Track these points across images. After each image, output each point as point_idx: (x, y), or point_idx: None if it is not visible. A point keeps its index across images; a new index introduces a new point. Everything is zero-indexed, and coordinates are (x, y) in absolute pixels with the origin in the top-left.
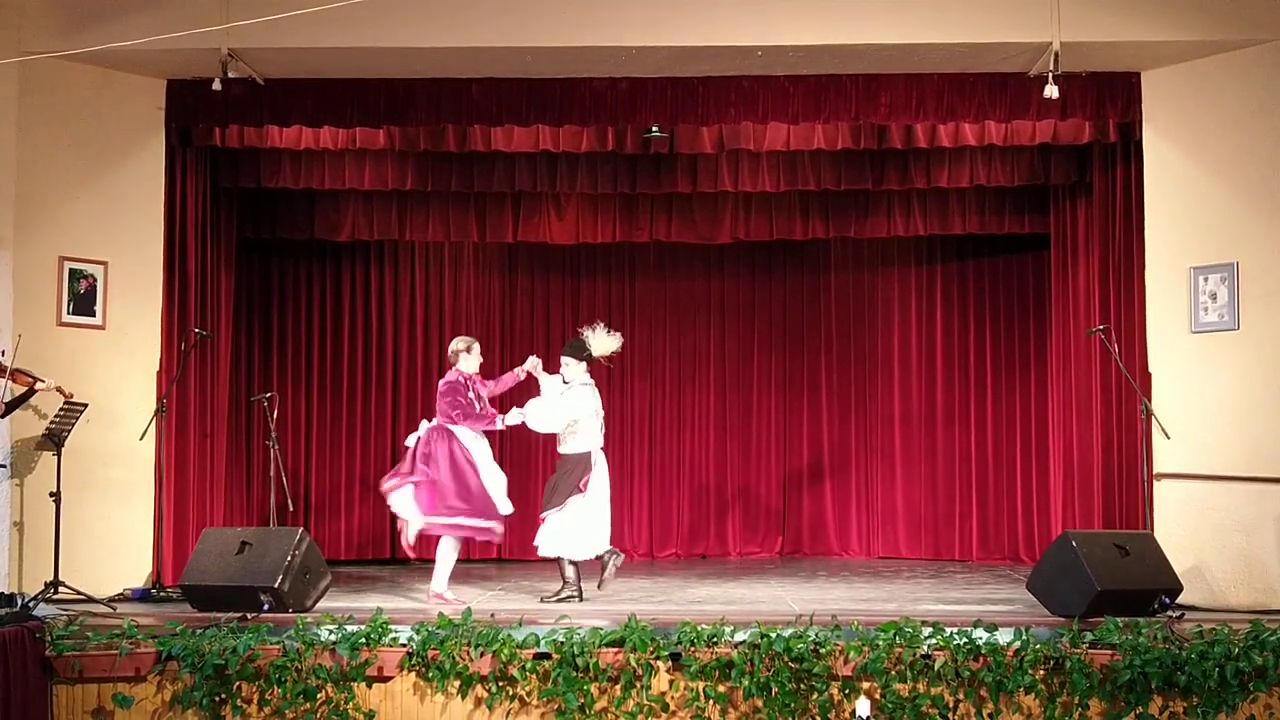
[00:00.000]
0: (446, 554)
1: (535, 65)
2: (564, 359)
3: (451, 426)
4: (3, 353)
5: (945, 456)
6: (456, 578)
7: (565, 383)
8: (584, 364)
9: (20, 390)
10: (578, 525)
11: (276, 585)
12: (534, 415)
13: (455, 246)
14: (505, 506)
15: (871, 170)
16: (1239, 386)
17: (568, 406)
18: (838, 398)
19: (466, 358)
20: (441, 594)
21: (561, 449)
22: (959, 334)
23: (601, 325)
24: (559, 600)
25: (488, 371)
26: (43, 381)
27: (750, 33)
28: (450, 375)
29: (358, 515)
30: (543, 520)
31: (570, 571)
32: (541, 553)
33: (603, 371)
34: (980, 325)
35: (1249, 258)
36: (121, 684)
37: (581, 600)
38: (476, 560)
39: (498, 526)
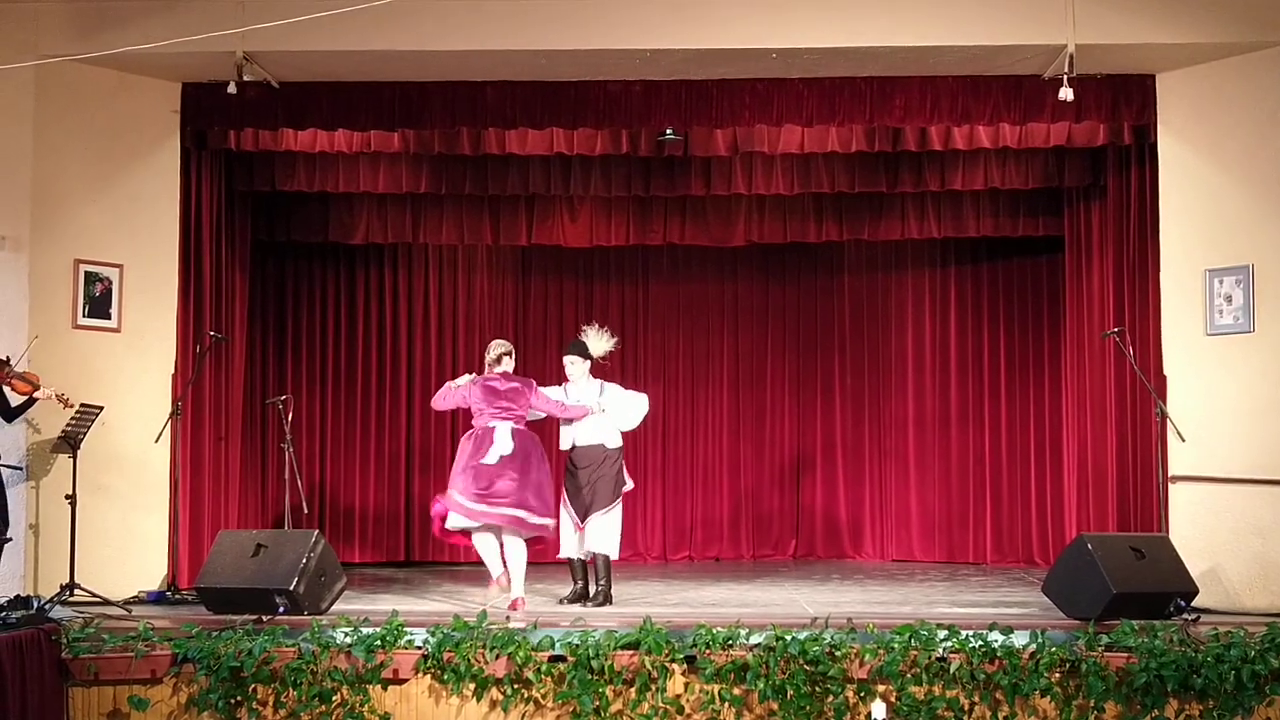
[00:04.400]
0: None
1: (550, 68)
2: (572, 358)
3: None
4: (7, 359)
5: (959, 459)
6: (469, 579)
7: (571, 382)
8: (588, 363)
9: (21, 397)
10: (619, 523)
11: (292, 587)
12: (625, 415)
13: (469, 249)
14: None
15: (885, 173)
16: (1254, 389)
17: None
18: (851, 400)
19: (510, 361)
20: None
21: (611, 445)
22: (973, 336)
23: (595, 326)
24: (603, 602)
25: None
26: (40, 390)
27: (765, 35)
28: (504, 375)
29: (372, 517)
30: (584, 524)
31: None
32: (596, 550)
33: (616, 374)
34: (994, 327)
35: (1265, 260)
36: (137, 686)
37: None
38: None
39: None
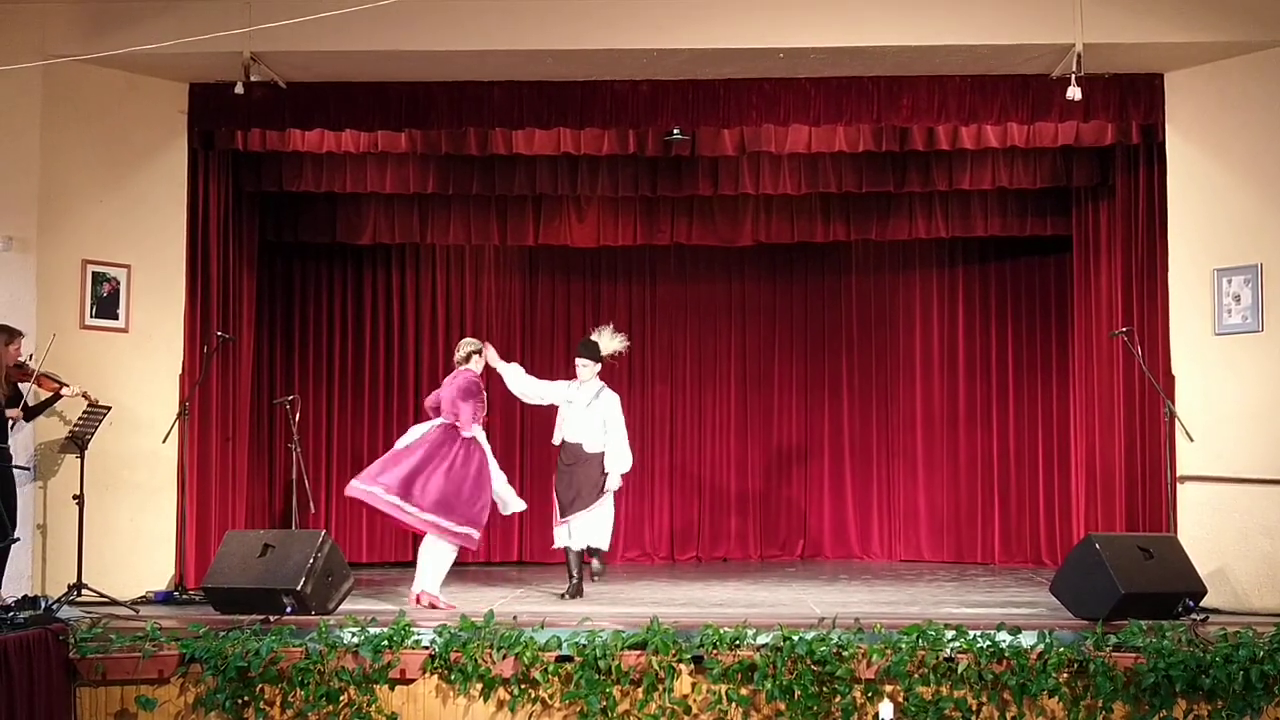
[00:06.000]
0: (445, 554)
1: (556, 68)
2: (583, 360)
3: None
4: (30, 356)
5: (967, 459)
6: (478, 579)
7: (579, 380)
8: (599, 365)
9: (45, 395)
10: (609, 517)
11: (299, 588)
12: (618, 452)
13: (476, 249)
14: (516, 504)
15: (893, 172)
16: (1263, 388)
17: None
18: (859, 400)
19: (479, 360)
20: (435, 596)
21: (589, 448)
22: (980, 336)
23: (608, 327)
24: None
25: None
26: (68, 387)
27: (772, 35)
28: (470, 376)
29: (380, 517)
30: (569, 519)
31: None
32: (589, 544)
33: (624, 374)
34: (1002, 327)
35: (1273, 259)
36: (145, 686)
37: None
38: (498, 563)
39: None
